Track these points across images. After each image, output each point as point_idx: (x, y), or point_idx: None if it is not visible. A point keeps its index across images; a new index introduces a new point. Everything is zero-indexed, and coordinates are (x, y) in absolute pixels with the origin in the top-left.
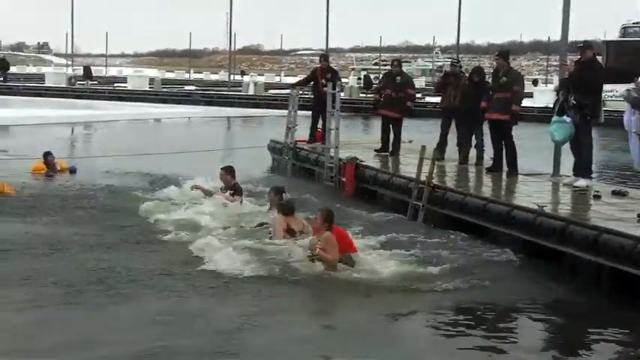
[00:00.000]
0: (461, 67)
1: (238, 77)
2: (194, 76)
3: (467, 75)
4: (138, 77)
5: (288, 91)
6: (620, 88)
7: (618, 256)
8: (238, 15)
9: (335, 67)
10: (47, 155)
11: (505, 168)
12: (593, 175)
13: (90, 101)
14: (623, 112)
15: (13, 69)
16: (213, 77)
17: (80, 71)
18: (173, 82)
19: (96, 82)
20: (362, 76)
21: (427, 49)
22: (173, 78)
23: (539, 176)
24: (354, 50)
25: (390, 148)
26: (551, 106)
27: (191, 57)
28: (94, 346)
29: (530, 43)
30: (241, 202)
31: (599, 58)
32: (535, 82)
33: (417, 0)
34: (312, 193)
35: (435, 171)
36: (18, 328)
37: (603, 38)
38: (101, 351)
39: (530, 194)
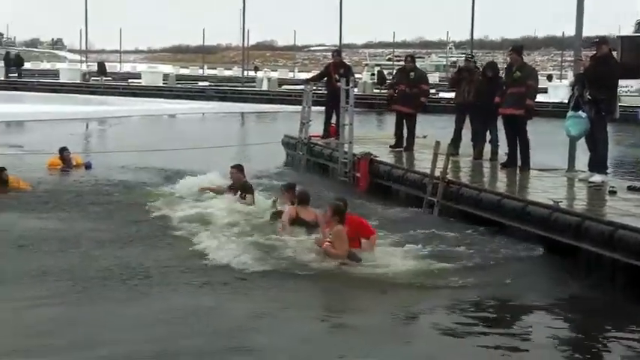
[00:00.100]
0: (475, 62)
1: (252, 73)
2: (208, 71)
3: (480, 70)
4: (152, 73)
5: (301, 86)
6: (635, 84)
7: (634, 251)
8: (252, 11)
9: (348, 63)
10: (63, 150)
11: (520, 163)
12: (609, 171)
13: (104, 97)
14: (638, 107)
15: (27, 65)
16: (227, 73)
17: (94, 67)
18: (187, 78)
19: (110, 78)
20: (375, 72)
21: (441, 45)
22: (187, 74)
23: (554, 172)
24: (367, 46)
25: (404, 144)
26: (566, 101)
27: (205, 53)
28: (108, 343)
29: (544, 39)
30: (253, 200)
31: (614, 53)
32: (549, 78)
33: None
34: (327, 188)
35: (449, 166)
36: (32, 325)
37: (618, 34)
38: (115, 348)
39: (546, 190)
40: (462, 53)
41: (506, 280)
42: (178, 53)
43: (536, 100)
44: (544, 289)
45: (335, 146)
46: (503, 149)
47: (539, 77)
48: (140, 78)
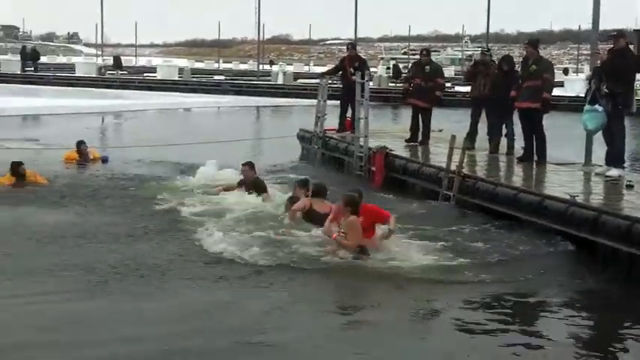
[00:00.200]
0: (491, 55)
1: (267, 67)
2: (223, 65)
3: (496, 64)
4: (167, 67)
5: (317, 80)
6: None
7: None
8: (267, 5)
9: (364, 57)
10: (80, 144)
11: (536, 157)
12: (626, 165)
13: (120, 91)
14: None
15: (43, 59)
16: (243, 67)
17: (110, 61)
18: (202, 71)
19: (126, 72)
20: (391, 66)
21: (456, 38)
22: (202, 68)
23: (570, 166)
24: (382, 40)
25: (420, 138)
26: (583, 95)
27: (220, 47)
28: (124, 338)
29: (560, 32)
30: (270, 199)
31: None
32: (566, 71)
33: None
34: (342, 182)
35: (465, 160)
36: (48, 319)
37: (635, 27)
38: (131, 343)
39: (562, 184)
40: (478, 47)
41: (523, 276)
42: (194, 47)
43: (553, 94)
44: (561, 284)
45: (350, 140)
46: (519, 143)
47: (556, 71)
48: (156, 72)
